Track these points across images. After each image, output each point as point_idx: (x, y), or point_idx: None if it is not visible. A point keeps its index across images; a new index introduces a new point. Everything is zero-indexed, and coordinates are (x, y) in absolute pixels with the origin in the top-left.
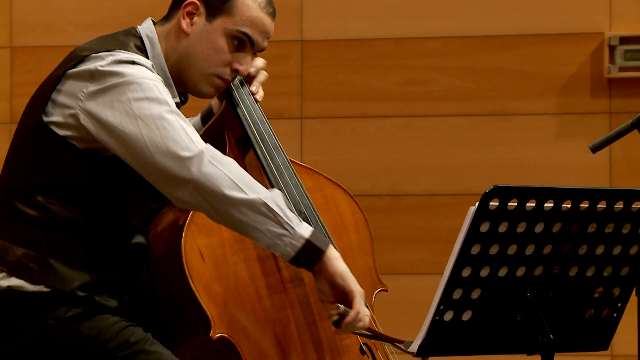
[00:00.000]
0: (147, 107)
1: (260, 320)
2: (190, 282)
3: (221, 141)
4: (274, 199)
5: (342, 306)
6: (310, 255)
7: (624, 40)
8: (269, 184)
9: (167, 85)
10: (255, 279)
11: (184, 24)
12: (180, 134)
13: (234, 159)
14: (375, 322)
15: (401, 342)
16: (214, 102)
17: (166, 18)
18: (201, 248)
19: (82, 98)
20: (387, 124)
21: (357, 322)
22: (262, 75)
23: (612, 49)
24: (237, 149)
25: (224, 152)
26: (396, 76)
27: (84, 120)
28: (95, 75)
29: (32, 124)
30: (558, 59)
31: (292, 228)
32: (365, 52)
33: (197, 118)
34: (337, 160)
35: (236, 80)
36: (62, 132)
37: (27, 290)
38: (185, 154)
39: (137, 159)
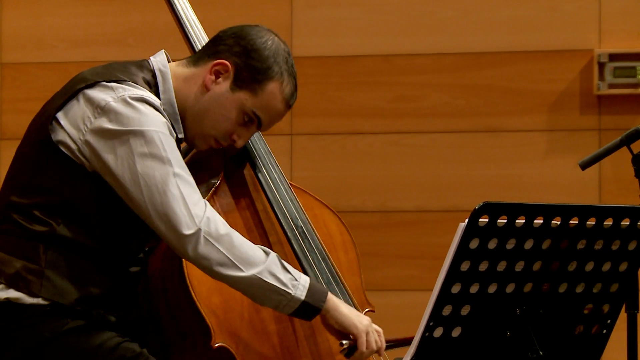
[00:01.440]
0: (150, 166)
1: (259, 332)
2: (192, 292)
3: (217, 157)
4: (269, 269)
5: (345, 342)
6: (308, 313)
7: (613, 57)
8: (265, 198)
9: (174, 120)
10: None
11: (209, 80)
12: (181, 205)
13: (230, 174)
14: None
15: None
16: None
17: (193, 62)
18: None
19: (84, 130)
20: (377, 140)
21: (369, 354)
22: None
23: (601, 65)
24: (232, 164)
25: (219, 168)
26: (386, 93)
27: (85, 152)
28: (103, 110)
29: (38, 142)
30: (548, 76)
31: (289, 293)
32: (355, 68)
33: None
34: (327, 177)
35: None
36: (68, 153)
37: (25, 302)
38: (184, 231)
39: (137, 212)
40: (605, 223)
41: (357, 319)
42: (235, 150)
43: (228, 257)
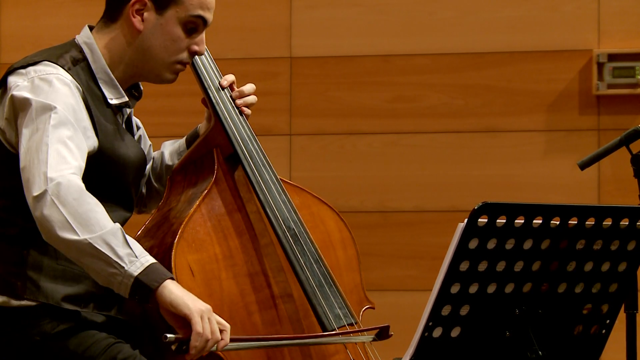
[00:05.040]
0: (31, 137)
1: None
2: None
3: (210, 158)
4: (104, 238)
5: (170, 336)
6: (141, 293)
7: (612, 57)
8: (257, 200)
9: (111, 86)
10: (245, 294)
11: (136, 22)
12: (40, 169)
13: (223, 176)
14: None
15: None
16: (201, 124)
17: (109, 19)
18: (191, 264)
19: (4, 118)
20: (376, 140)
21: (205, 342)
22: (252, 99)
23: (600, 66)
24: (226, 166)
25: (212, 170)
26: (385, 93)
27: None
28: (12, 94)
29: None
30: (547, 76)
31: (122, 267)
32: (354, 69)
33: (182, 141)
34: (326, 177)
35: (225, 99)
36: (7, 146)
37: (11, 305)
38: (34, 192)
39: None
40: (604, 223)
41: (192, 301)
42: (228, 151)
43: (67, 220)
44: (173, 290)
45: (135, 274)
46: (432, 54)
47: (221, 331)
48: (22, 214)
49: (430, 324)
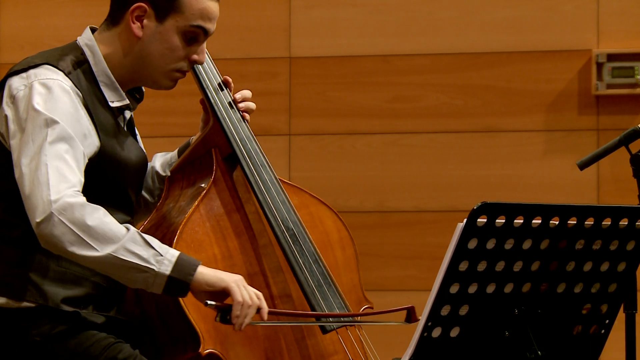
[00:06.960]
0: (29, 153)
1: (249, 337)
2: (180, 298)
3: (209, 158)
4: (125, 246)
5: (212, 302)
6: (179, 289)
7: (611, 57)
8: (256, 200)
9: (112, 89)
10: None
11: (135, 28)
12: (43, 192)
13: (222, 176)
14: (365, 340)
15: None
16: (193, 137)
17: (111, 22)
18: None
19: (5, 121)
20: (375, 140)
21: (247, 309)
22: (252, 105)
23: (599, 66)
24: (224, 166)
25: (211, 170)
26: (384, 93)
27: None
28: (14, 99)
29: None
30: (546, 76)
31: (152, 269)
32: (354, 69)
33: (174, 153)
34: (325, 177)
35: (224, 100)
36: (8, 147)
37: (11, 307)
38: (38, 218)
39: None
40: (603, 223)
41: (225, 274)
42: (227, 151)
43: (80, 237)
44: (205, 273)
45: (167, 272)
46: (432, 54)
47: (258, 297)
48: (25, 216)
49: (430, 324)
